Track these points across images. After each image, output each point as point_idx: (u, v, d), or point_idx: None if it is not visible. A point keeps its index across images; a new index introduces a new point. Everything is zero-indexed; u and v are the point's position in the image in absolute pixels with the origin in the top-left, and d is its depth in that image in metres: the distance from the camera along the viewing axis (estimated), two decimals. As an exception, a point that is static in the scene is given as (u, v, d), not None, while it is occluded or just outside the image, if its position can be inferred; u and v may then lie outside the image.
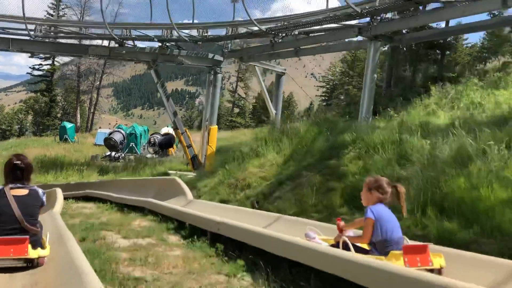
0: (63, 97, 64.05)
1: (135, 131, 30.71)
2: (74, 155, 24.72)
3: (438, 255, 3.56)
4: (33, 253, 3.54)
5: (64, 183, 15.58)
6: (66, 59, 62.49)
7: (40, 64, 60.53)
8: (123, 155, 26.66)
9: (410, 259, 3.46)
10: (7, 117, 77.73)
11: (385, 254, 3.57)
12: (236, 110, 71.04)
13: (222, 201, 8.44)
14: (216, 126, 15.06)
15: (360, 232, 3.99)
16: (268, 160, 9.24)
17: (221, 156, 11.90)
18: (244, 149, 10.25)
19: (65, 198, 9.09)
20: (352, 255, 3.46)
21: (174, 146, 28.43)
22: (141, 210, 7.90)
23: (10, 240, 3.49)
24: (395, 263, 3.38)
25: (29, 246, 3.51)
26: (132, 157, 26.70)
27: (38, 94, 62.58)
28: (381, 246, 3.65)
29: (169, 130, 32.85)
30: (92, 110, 60.90)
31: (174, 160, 20.92)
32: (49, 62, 59.86)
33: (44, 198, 4.01)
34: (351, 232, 4.17)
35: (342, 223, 4.14)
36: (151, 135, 30.12)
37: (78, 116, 58.35)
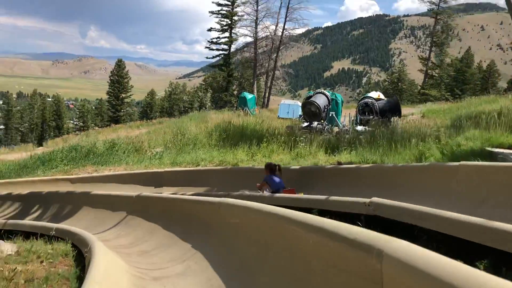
0: (239, 72, 61.60)
1: (336, 97, 22.96)
2: (261, 126, 17.84)
3: (301, 193, 6.89)
4: None
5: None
6: (244, 31, 59.10)
7: (218, 38, 58.32)
8: (328, 125, 18.99)
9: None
10: (188, 95, 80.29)
11: None
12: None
13: None
14: None
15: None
16: None
17: None
18: None
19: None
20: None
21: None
22: None
23: None
24: None
25: None
26: (336, 129, 18.99)
27: (217, 69, 61.60)
28: (274, 192, 7.34)
29: (379, 94, 24.47)
30: (269, 85, 55.95)
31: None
32: (227, 34, 57.55)
33: None
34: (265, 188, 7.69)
35: (258, 184, 7.79)
36: (360, 100, 21.86)
37: (255, 91, 54.30)
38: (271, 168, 7.79)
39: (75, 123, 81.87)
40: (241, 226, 3.42)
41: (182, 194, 7.87)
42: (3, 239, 7.01)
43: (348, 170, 6.94)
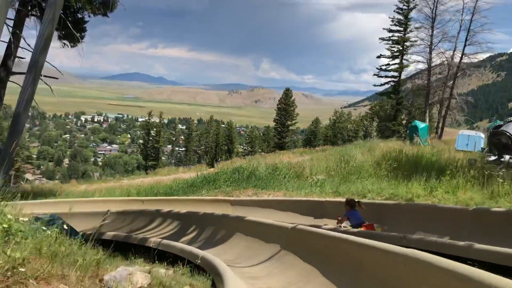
0: (409, 100, 57.91)
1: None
2: (439, 157, 15.56)
3: (380, 228, 7.82)
4: None
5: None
6: (416, 57, 55.73)
7: (388, 64, 56.02)
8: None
9: (365, 228, 7.61)
10: (353, 123, 79.00)
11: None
12: None
13: None
14: None
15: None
16: None
17: None
18: None
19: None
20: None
21: None
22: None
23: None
24: None
25: None
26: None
27: (385, 97, 59.18)
28: (354, 227, 7.76)
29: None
30: (443, 114, 51.00)
31: None
32: (397, 61, 55.00)
33: None
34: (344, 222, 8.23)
35: (340, 218, 8.33)
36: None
37: (427, 120, 49.92)
38: (352, 204, 8.28)
39: (244, 148, 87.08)
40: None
41: (346, 231, 6.64)
42: (155, 260, 6.70)
43: None
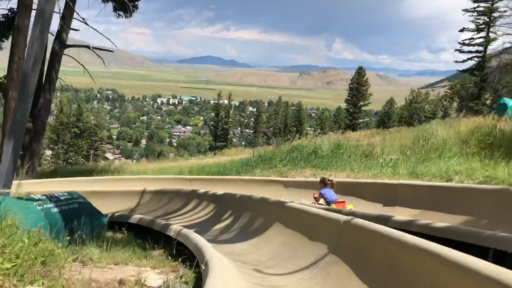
0: (495, 77, 52.31)
1: None
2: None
3: (350, 205, 8.14)
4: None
5: None
6: (505, 29, 49.83)
7: (471, 38, 50.56)
8: None
9: (337, 206, 7.95)
10: (431, 103, 73.70)
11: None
12: None
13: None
14: None
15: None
16: None
17: None
18: None
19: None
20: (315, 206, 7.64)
21: None
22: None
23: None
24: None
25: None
26: None
27: (467, 75, 53.89)
28: (328, 203, 8.24)
29: None
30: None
31: None
32: (482, 34, 49.43)
33: None
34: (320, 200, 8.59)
35: (316, 196, 8.69)
36: None
37: (517, 99, 44.65)
38: (325, 182, 8.74)
39: (314, 129, 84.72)
40: None
41: (428, 225, 4.71)
42: (174, 253, 5.24)
43: None
